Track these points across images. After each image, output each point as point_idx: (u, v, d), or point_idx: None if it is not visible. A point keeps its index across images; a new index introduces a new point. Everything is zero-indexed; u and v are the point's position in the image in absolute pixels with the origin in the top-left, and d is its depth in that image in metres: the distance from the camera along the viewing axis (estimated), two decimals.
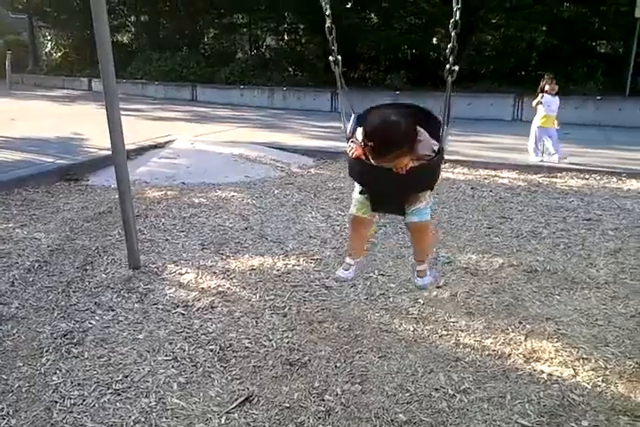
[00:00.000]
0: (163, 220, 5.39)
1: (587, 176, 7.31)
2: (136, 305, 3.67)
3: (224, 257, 4.49)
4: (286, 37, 19.68)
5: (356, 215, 2.59)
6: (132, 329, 3.37)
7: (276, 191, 6.41)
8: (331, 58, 2.51)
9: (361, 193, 2.55)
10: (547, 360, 3.07)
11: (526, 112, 13.52)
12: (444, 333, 3.37)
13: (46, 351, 3.10)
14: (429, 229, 2.68)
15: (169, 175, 7.34)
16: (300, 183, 6.83)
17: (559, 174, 7.45)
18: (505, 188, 6.68)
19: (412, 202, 2.45)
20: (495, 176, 7.34)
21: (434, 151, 2.31)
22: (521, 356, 3.12)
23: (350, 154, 2.35)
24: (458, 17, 2.25)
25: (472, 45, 16.11)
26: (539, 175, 7.37)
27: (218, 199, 6.09)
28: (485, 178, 7.21)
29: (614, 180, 7.13)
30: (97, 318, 3.49)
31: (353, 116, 2.51)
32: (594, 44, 15.70)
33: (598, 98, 12.53)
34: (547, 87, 8.02)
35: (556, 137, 8.16)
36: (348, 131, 2.45)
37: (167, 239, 4.88)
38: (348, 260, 2.73)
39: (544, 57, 15.05)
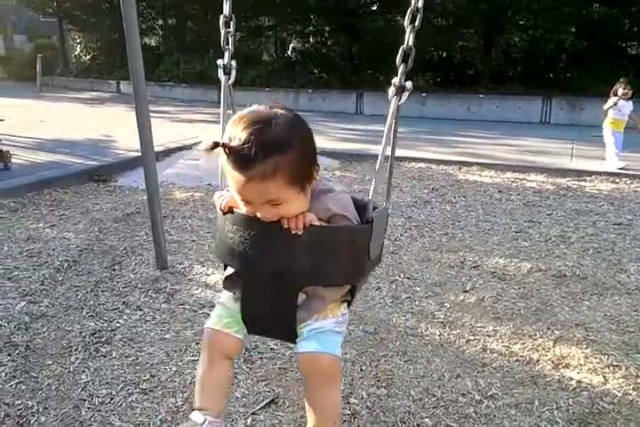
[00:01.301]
0: (189, 221, 5.43)
1: (617, 180, 7.19)
2: (163, 305, 3.71)
3: None
4: (312, 40, 19.74)
5: (216, 330, 1.63)
6: (159, 329, 3.40)
7: None
8: (219, 61, 1.87)
9: (226, 287, 1.66)
10: (576, 367, 3.02)
11: (555, 115, 13.39)
12: (471, 338, 3.34)
13: (75, 350, 3.14)
14: (336, 374, 1.60)
15: (196, 177, 7.41)
16: None
17: (588, 178, 7.33)
18: (533, 191, 6.60)
19: (313, 311, 1.54)
20: (523, 180, 7.25)
21: (354, 218, 1.50)
22: (549, 362, 3.07)
23: (218, 204, 1.54)
24: (420, 3, 1.55)
25: (500, 47, 15.99)
26: (567, 179, 7.27)
27: None
28: (513, 181, 7.13)
29: None
30: (125, 317, 3.53)
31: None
32: (624, 45, 15.45)
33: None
34: (620, 91, 7.84)
35: (622, 142, 7.97)
36: (221, 179, 1.62)
37: (194, 240, 4.92)
38: (194, 416, 1.60)
39: (573, 59, 14.86)
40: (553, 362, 3.07)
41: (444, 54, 16.85)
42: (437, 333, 3.39)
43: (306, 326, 1.55)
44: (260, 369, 3.00)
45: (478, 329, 3.43)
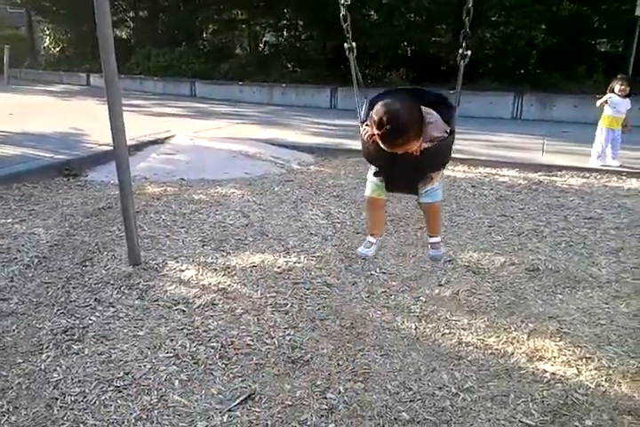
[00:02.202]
0: (163, 216, 5.36)
1: (587, 175, 7.30)
2: (136, 302, 3.66)
3: (225, 254, 4.47)
4: (285, 34, 19.59)
5: (372, 197, 2.75)
6: (132, 326, 3.35)
7: (276, 188, 6.39)
8: (346, 45, 2.64)
9: (375, 175, 2.67)
10: (550, 359, 3.06)
11: (526, 111, 13.53)
12: (447, 331, 3.36)
13: (46, 348, 3.08)
14: (440, 208, 2.86)
15: (168, 171, 7.31)
16: (301, 180, 6.80)
17: (559, 173, 7.42)
18: (506, 186, 6.66)
19: (426, 182, 2.58)
20: (496, 174, 7.32)
21: (445, 132, 2.44)
22: (524, 355, 3.11)
23: (364, 137, 2.47)
24: (471, 3, 2.42)
25: (471, 43, 16.05)
26: (539, 174, 7.34)
27: (218, 196, 6.06)
28: (486, 176, 7.19)
29: (614, 179, 7.12)
30: (97, 314, 3.48)
31: (365, 100, 2.62)
32: (594, 42, 15.65)
33: (598, 96, 12.51)
34: (616, 88, 7.75)
35: (620, 141, 7.81)
36: (362, 114, 2.60)
37: (167, 236, 4.86)
38: (370, 238, 2.92)
39: (543, 55, 15.00)
40: (527, 355, 3.11)
41: (418, 50, 16.86)
42: (413, 327, 3.40)
43: (424, 187, 2.60)
44: (235, 365, 2.98)
45: (453, 323, 3.46)
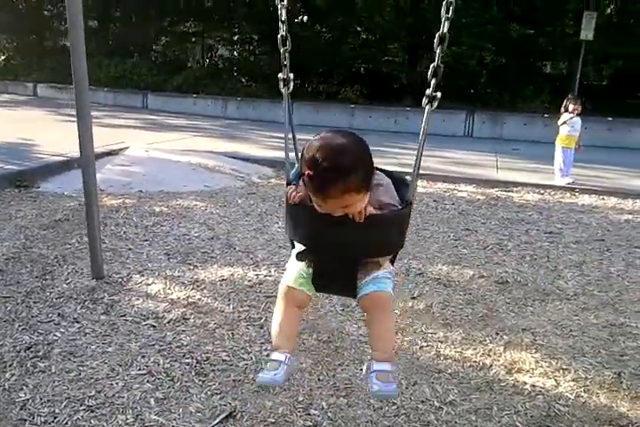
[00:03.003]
0: (124, 228, 5.19)
1: (542, 191, 7.51)
2: (102, 317, 3.50)
3: (191, 267, 4.35)
4: (240, 47, 19.58)
5: (291, 287, 1.92)
6: (100, 342, 3.19)
7: (239, 201, 6.30)
8: (280, 75, 2.09)
9: (299, 258, 1.92)
10: (528, 371, 3.08)
11: (477, 128, 13.90)
12: (424, 344, 3.34)
13: (10, 366, 2.89)
14: (390, 306, 1.96)
15: (125, 183, 7.12)
16: (263, 193, 6.74)
17: (515, 189, 7.62)
18: (465, 201, 6.78)
19: (368, 272, 1.88)
20: (454, 190, 7.44)
21: (400, 203, 1.84)
22: (502, 367, 3.12)
23: (290, 197, 1.80)
24: (446, 28, 1.82)
25: (424, 61, 16.44)
26: (495, 189, 7.51)
27: (180, 208, 5.92)
28: (445, 191, 7.30)
29: (568, 195, 7.35)
30: (62, 330, 3.30)
31: (297, 165, 1.96)
32: (540, 64, 16.27)
33: (546, 115, 12.96)
34: (570, 107, 7.95)
35: (572, 159, 8.04)
36: (291, 173, 1.99)
37: (130, 248, 4.70)
38: (275, 355, 1.87)
39: (493, 75, 15.50)
40: (506, 367, 3.12)
41: (371, 67, 17.14)
42: None
43: (364, 279, 1.88)
44: (213, 382, 2.87)
45: (430, 335, 3.45)
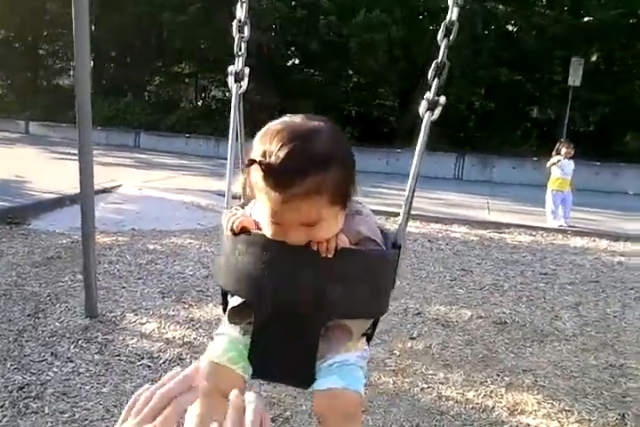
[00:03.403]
0: (117, 266, 5.14)
1: (534, 233, 7.56)
2: (96, 356, 3.42)
3: (187, 306, 4.29)
4: (229, 90, 19.89)
5: (217, 364, 1.41)
6: (94, 382, 3.11)
7: None
8: (231, 68, 1.70)
9: (232, 320, 1.44)
10: (531, 413, 3.03)
11: (467, 171, 14.09)
12: (425, 386, 3.29)
13: (1, 407, 2.81)
14: (358, 414, 1.40)
15: (117, 221, 7.09)
16: None
17: (507, 230, 7.67)
18: (459, 241, 6.80)
19: (334, 346, 1.37)
20: (447, 230, 7.47)
21: (383, 243, 1.37)
22: (505, 408, 3.07)
23: (229, 224, 1.34)
24: (454, 16, 1.47)
25: (415, 106, 16.77)
26: (488, 231, 7.56)
27: (174, 246, 5.89)
28: (439, 232, 7.33)
29: (560, 237, 7.41)
30: (55, 369, 3.22)
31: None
32: (529, 109, 16.66)
33: (535, 159, 13.19)
34: (563, 151, 8.08)
35: (570, 201, 8.14)
36: (227, 196, 1.68)
37: (124, 287, 4.64)
38: None
39: (482, 119, 15.83)
40: (508, 408, 3.07)
41: (362, 110, 17.45)
42: (391, 381, 3.31)
43: (326, 360, 1.35)
44: None
45: (430, 377, 3.40)
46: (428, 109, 1.44)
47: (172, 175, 11.07)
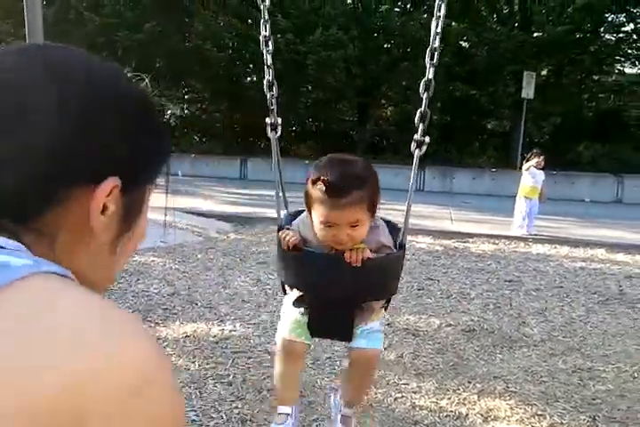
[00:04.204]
0: None
1: (496, 241, 7.67)
2: None
3: (153, 324, 4.19)
4: (191, 106, 19.82)
5: (289, 340, 1.95)
6: None
7: (198, 255, 6.19)
8: (268, 120, 2.13)
9: (296, 305, 1.96)
10: (504, 419, 3.04)
11: (428, 183, 14.27)
12: (398, 395, 3.27)
13: None
14: (376, 363, 2.09)
15: None
16: (222, 248, 6.65)
17: (470, 240, 7.76)
18: (425, 251, 6.86)
19: (364, 317, 1.94)
20: (412, 241, 7.51)
21: (395, 246, 1.93)
22: (478, 415, 3.07)
23: (284, 242, 1.83)
24: (431, 75, 1.95)
25: (374, 119, 16.99)
26: (453, 240, 7.64)
27: (137, 264, 5.76)
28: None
29: (522, 244, 7.54)
30: None
31: (284, 213, 2.17)
32: (485, 121, 17.04)
33: (493, 170, 13.48)
34: (534, 161, 8.22)
35: (536, 210, 8.30)
36: (282, 218, 2.08)
37: None
38: (282, 409, 2.05)
39: (440, 132, 16.09)
40: (482, 415, 3.07)
41: (323, 125, 17.58)
42: None
43: (360, 327, 1.94)
44: None
45: (403, 386, 3.38)
46: (417, 147, 1.98)
47: None
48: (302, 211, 1.98)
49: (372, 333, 1.95)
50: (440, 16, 2.01)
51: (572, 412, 3.11)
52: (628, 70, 17.11)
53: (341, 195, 1.69)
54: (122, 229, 0.64)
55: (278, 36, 15.13)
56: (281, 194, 2.21)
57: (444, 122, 16.16)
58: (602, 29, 15.46)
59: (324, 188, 1.69)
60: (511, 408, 3.15)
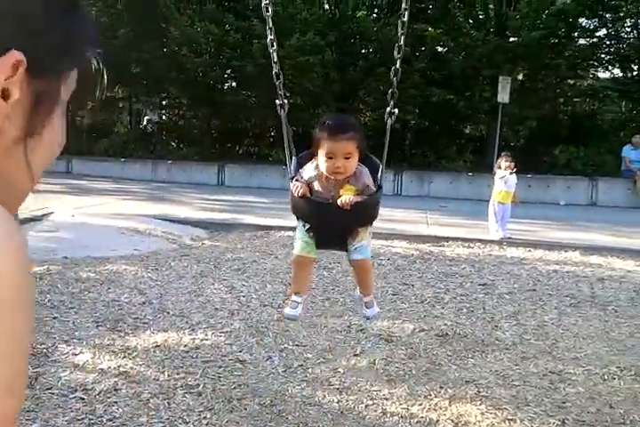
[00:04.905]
0: (48, 296, 4.90)
1: (471, 245, 7.70)
2: (26, 391, 3.22)
3: (122, 334, 4.13)
4: (168, 112, 19.68)
5: (301, 255, 2.68)
6: (23, 418, 2.93)
7: (172, 263, 6.12)
8: (277, 102, 2.74)
9: (306, 230, 2.65)
10: (474, 424, 3.04)
11: (405, 187, 14.31)
12: (370, 402, 3.26)
13: None
14: (371, 267, 2.87)
15: (49, 249, 6.80)
16: (197, 255, 6.58)
17: (446, 243, 7.78)
18: (400, 256, 6.86)
19: (355, 237, 2.56)
20: (388, 246, 7.52)
21: (375, 185, 2.53)
22: (449, 421, 3.07)
23: (295, 192, 2.49)
24: (398, 65, 2.68)
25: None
26: (428, 244, 7.65)
27: (109, 273, 5.69)
28: (380, 247, 7.35)
29: (496, 248, 7.57)
30: None
31: (294, 158, 2.70)
32: (462, 126, 17.14)
33: (470, 174, 13.54)
34: (503, 165, 8.20)
35: (509, 214, 8.29)
36: (292, 170, 2.65)
37: (55, 317, 4.43)
38: (294, 298, 2.79)
39: (417, 137, 16.17)
40: (452, 421, 3.07)
41: (301, 130, 17.52)
42: (335, 400, 3.27)
43: (353, 244, 2.56)
44: None
45: (375, 393, 3.37)
46: (389, 117, 2.64)
47: (107, 201, 10.77)
48: (307, 152, 2.61)
49: (362, 248, 2.58)
50: (404, 21, 2.67)
51: (542, 416, 3.12)
52: (601, 75, 17.38)
53: (341, 131, 2.39)
54: (29, 128, 0.53)
55: (255, 41, 15.13)
56: (289, 146, 2.74)
57: (421, 126, 16.23)
58: (576, 34, 15.65)
59: (329, 127, 2.41)
60: (482, 413, 3.15)
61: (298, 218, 2.67)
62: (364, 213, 2.54)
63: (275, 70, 2.72)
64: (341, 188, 2.47)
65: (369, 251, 2.67)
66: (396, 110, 2.63)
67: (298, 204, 2.56)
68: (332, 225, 2.53)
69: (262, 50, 15.44)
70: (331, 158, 2.39)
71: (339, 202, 2.39)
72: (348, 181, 2.48)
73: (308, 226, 2.61)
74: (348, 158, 2.39)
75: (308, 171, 2.55)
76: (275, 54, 2.75)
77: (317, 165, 2.54)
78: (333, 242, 2.66)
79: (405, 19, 2.66)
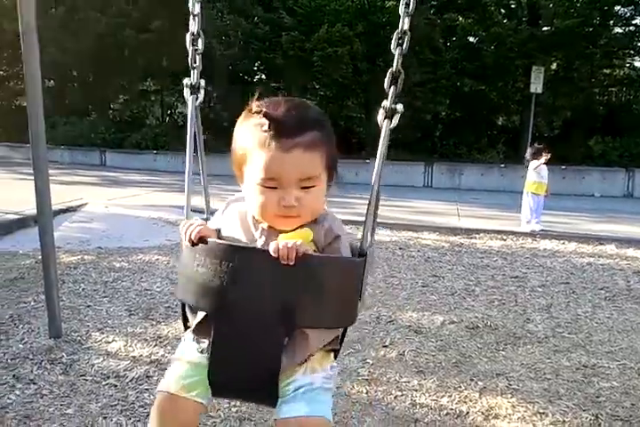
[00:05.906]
0: (82, 285, 5.01)
1: (504, 237, 7.61)
2: (60, 377, 3.30)
3: (154, 323, 4.19)
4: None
5: (173, 394, 1.33)
6: (58, 404, 2.99)
7: None
8: (186, 81, 1.75)
9: (195, 333, 1.38)
10: (505, 417, 3.00)
11: (436, 179, 14.21)
12: (399, 393, 3.24)
13: None
14: None
15: (83, 240, 6.94)
16: None
17: (477, 236, 7.70)
18: (430, 248, 6.81)
19: (297, 356, 1.30)
20: (418, 238, 7.48)
21: (354, 248, 1.43)
22: (479, 413, 3.03)
23: (186, 235, 1.34)
24: (406, 25, 1.50)
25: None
26: (459, 237, 7.59)
27: (141, 263, 5.77)
28: (409, 239, 7.33)
29: (529, 240, 7.47)
30: (17, 392, 3.09)
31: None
32: (494, 116, 16.91)
33: (502, 165, 13.36)
34: (543, 159, 8.11)
35: (542, 206, 8.23)
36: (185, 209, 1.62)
37: (89, 306, 4.51)
38: None
39: (448, 128, 16.00)
40: (482, 413, 3.03)
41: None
42: (364, 391, 3.26)
43: (292, 382, 1.29)
44: None
45: (404, 384, 3.35)
46: (386, 118, 1.48)
47: (140, 192, 10.92)
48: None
49: (312, 391, 1.29)
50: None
51: (575, 410, 3.07)
52: (637, 64, 16.96)
53: (292, 132, 1.25)
54: None
55: (283, 33, 15.12)
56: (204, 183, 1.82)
57: (452, 117, 16.07)
58: (611, 22, 15.28)
59: (266, 122, 1.26)
60: (513, 406, 3.11)
61: (183, 307, 1.45)
62: (323, 291, 1.27)
63: (192, 29, 1.68)
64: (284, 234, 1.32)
65: (328, 402, 1.34)
66: (400, 106, 1.45)
67: (187, 262, 1.34)
68: (254, 309, 1.24)
69: (291, 41, 15.47)
70: (273, 188, 1.31)
71: (272, 248, 1.21)
72: (303, 227, 1.36)
73: (202, 319, 1.33)
74: (307, 188, 1.31)
75: (218, 213, 1.56)
76: (197, 5, 1.68)
77: (233, 202, 1.53)
78: (250, 368, 1.26)
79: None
